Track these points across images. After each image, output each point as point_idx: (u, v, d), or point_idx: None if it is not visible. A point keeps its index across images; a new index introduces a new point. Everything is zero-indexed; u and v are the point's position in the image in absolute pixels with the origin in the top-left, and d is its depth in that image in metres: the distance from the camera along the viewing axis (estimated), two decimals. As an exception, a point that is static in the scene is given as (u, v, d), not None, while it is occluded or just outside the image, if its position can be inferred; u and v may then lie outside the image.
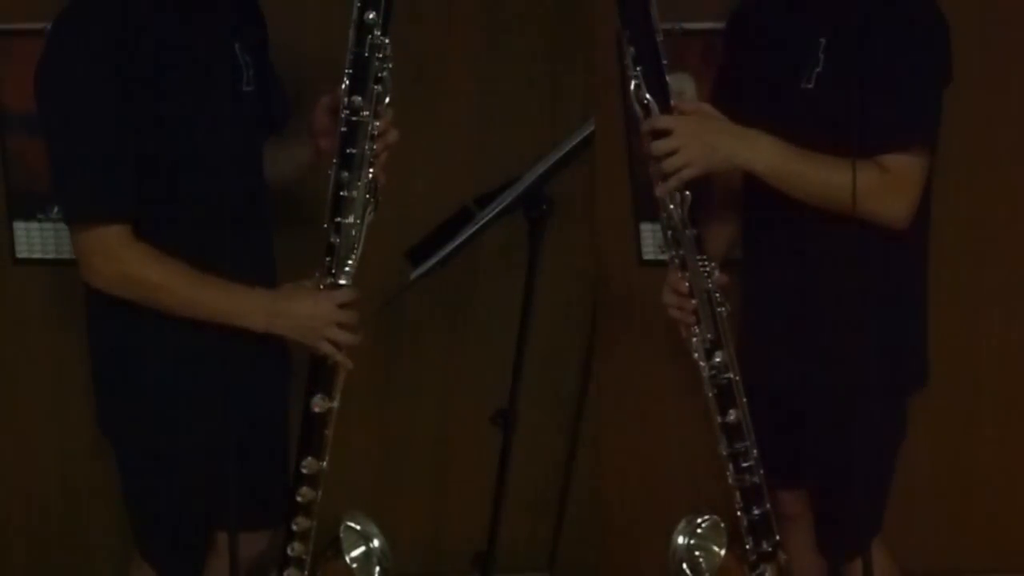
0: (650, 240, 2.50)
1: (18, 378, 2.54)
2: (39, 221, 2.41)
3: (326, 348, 1.81)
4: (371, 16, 1.67)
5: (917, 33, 1.80)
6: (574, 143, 1.90)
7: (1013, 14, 2.29)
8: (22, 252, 2.44)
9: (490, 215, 1.91)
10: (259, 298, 1.81)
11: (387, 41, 1.69)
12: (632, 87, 1.74)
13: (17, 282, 2.46)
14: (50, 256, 2.43)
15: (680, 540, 2.00)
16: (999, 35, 2.28)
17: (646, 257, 2.51)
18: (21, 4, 2.27)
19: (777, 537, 1.95)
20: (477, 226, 1.91)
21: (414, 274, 1.94)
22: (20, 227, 2.42)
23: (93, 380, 1.94)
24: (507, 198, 1.90)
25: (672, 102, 1.74)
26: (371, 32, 1.68)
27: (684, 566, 1.99)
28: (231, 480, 1.58)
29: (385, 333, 2.52)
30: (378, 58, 1.69)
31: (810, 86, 1.83)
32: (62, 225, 2.40)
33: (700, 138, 1.75)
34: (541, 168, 1.90)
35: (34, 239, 2.43)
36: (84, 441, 2.50)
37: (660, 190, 1.77)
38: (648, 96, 1.73)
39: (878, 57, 1.75)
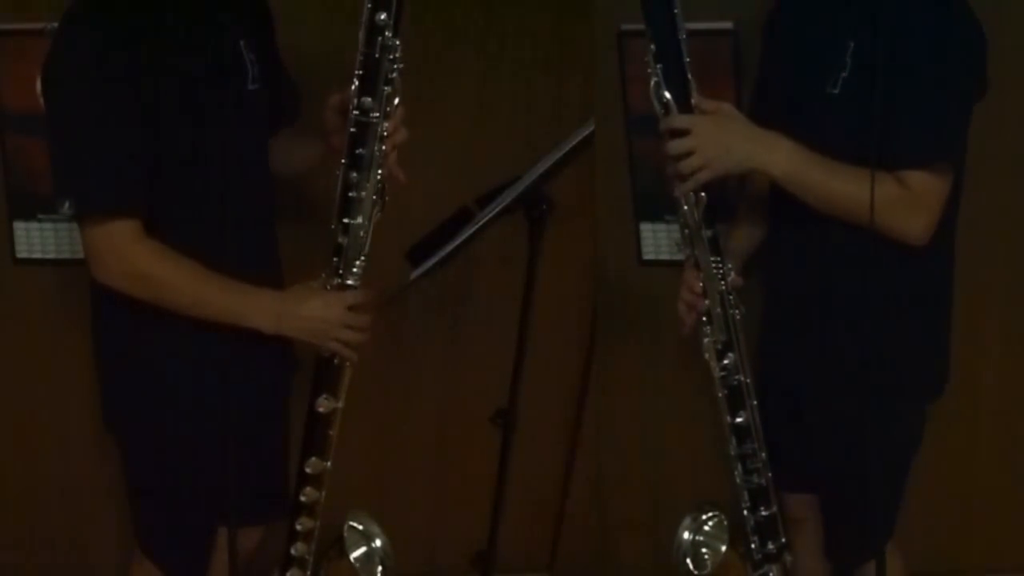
0: (650, 240, 2.50)
1: (18, 378, 2.53)
2: (39, 221, 2.41)
3: (335, 348, 1.81)
4: (382, 17, 1.66)
5: (948, 44, 1.74)
6: (574, 143, 1.90)
7: (1013, 14, 2.29)
8: (22, 252, 2.44)
9: (490, 215, 1.91)
10: (268, 300, 1.81)
11: (398, 43, 1.69)
12: (652, 84, 1.72)
13: (17, 282, 2.46)
14: (50, 256, 2.42)
15: (685, 536, 2.01)
16: (999, 34, 2.28)
17: (646, 257, 2.51)
18: (21, 4, 2.27)
19: (783, 539, 1.95)
20: (477, 226, 1.92)
21: (414, 274, 1.94)
22: (20, 227, 2.42)
23: (99, 377, 1.94)
24: (507, 198, 1.91)
25: (693, 100, 1.73)
26: (382, 33, 1.67)
27: (688, 561, 2.00)
28: (231, 475, 1.58)
29: (385, 333, 2.52)
30: (388, 59, 1.69)
31: (835, 91, 1.79)
32: (62, 225, 2.40)
33: (717, 139, 1.74)
34: (541, 168, 1.90)
35: (34, 239, 2.43)
36: (84, 440, 2.50)
37: (677, 190, 1.77)
38: (667, 94, 1.72)
39: (906, 66, 1.69)
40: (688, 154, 1.73)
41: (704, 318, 1.84)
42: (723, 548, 1.98)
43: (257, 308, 1.79)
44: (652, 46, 1.70)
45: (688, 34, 1.71)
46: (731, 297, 1.83)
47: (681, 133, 1.73)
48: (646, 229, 2.50)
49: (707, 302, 1.82)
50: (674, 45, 1.70)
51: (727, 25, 2.30)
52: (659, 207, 2.44)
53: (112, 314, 1.86)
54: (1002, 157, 2.36)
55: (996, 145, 2.34)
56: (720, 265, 1.81)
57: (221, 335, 1.77)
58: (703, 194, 1.76)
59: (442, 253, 1.92)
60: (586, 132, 1.90)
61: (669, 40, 1.70)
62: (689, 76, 1.73)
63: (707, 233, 1.78)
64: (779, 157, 1.76)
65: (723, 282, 1.82)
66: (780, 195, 1.84)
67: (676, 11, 1.69)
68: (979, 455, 2.57)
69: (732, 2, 2.29)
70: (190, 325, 1.78)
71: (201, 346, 1.80)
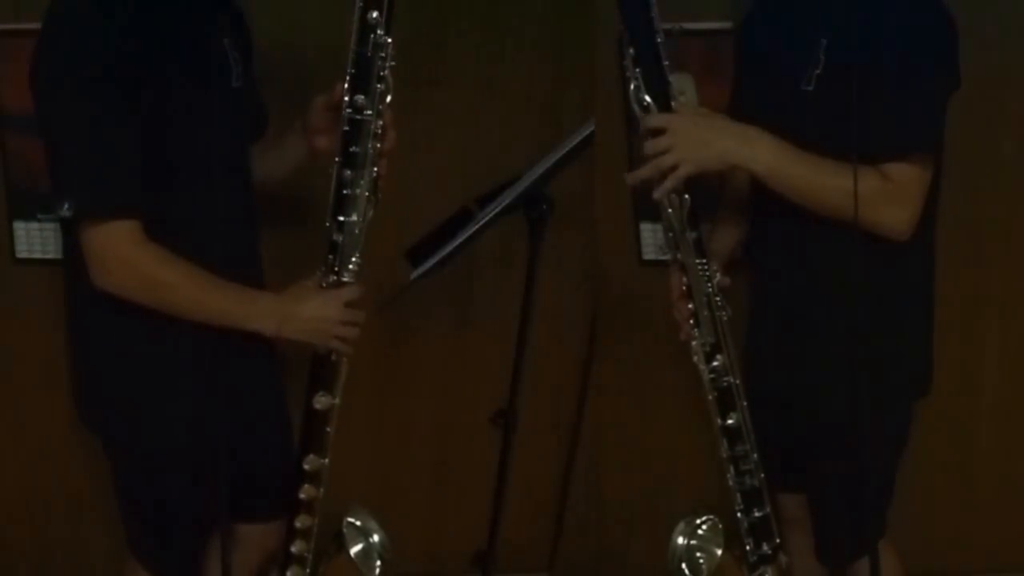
0: (650, 240, 2.50)
1: (17, 378, 2.53)
2: (39, 221, 2.41)
3: (336, 346, 1.81)
4: (374, 16, 1.67)
5: (922, 36, 1.74)
6: (574, 143, 1.90)
7: (1012, 13, 2.29)
8: (22, 252, 2.44)
9: (490, 215, 1.91)
10: (269, 302, 1.80)
11: (389, 40, 1.69)
12: (631, 88, 1.73)
13: (17, 282, 2.46)
14: (50, 256, 2.42)
15: (680, 541, 2.00)
16: (999, 34, 2.28)
17: (646, 257, 2.51)
18: (21, 4, 2.27)
19: (778, 540, 1.94)
20: (477, 226, 1.92)
21: (414, 274, 1.94)
22: (20, 227, 2.42)
23: (74, 375, 1.92)
24: (507, 198, 1.91)
25: (672, 103, 1.73)
26: (374, 31, 1.68)
27: (683, 566, 1.99)
28: (220, 474, 1.57)
29: (385, 333, 2.52)
30: (380, 57, 1.69)
31: (809, 88, 1.79)
32: (62, 225, 2.40)
33: (694, 135, 1.73)
34: (541, 168, 1.90)
35: (34, 239, 2.43)
36: (84, 442, 2.49)
37: (657, 192, 1.76)
38: (647, 98, 1.72)
39: (880, 60, 1.69)
40: (666, 152, 1.73)
41: (691, 320, 1.84)
42: (718, 552, 1.98)
43: (258, 312, 1.79)
44: (630, 50, 1.70)
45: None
46: (718, 299, 1.82)
47: (658, 132, 1.73)
48: (646, 229, 2.50)
49: (691, 305, 1.82)
50: (652, 48, 1.69)
51: (727, 25, 2.30)
52: (659, 207, 2.43)
53: (90, 314, 1.84)
54: (1001, 158, 2.37)
55: (995, 146, 2.35)
56: (706, 267, 1.81)
57: (202, 332, 1.76)
58: (687, 196, 1.75)
59: (442, 253, 1.92)
60: (586, 132, 1.90)
61: (647, 43, 1.69)
62: (669, 79, 1.72)
63: (691, 235, 1.78)
64: (761, 152, 1.75)
65: (709, 284, 1.81)
66: (763, 193, 1.84)
67: (653, 14, 1.68)
68: (979, 455, 2.57)
69: (732, 2, 2.29)
70: (172, 322, 1.76)
71: (182, 343, 1.79)
